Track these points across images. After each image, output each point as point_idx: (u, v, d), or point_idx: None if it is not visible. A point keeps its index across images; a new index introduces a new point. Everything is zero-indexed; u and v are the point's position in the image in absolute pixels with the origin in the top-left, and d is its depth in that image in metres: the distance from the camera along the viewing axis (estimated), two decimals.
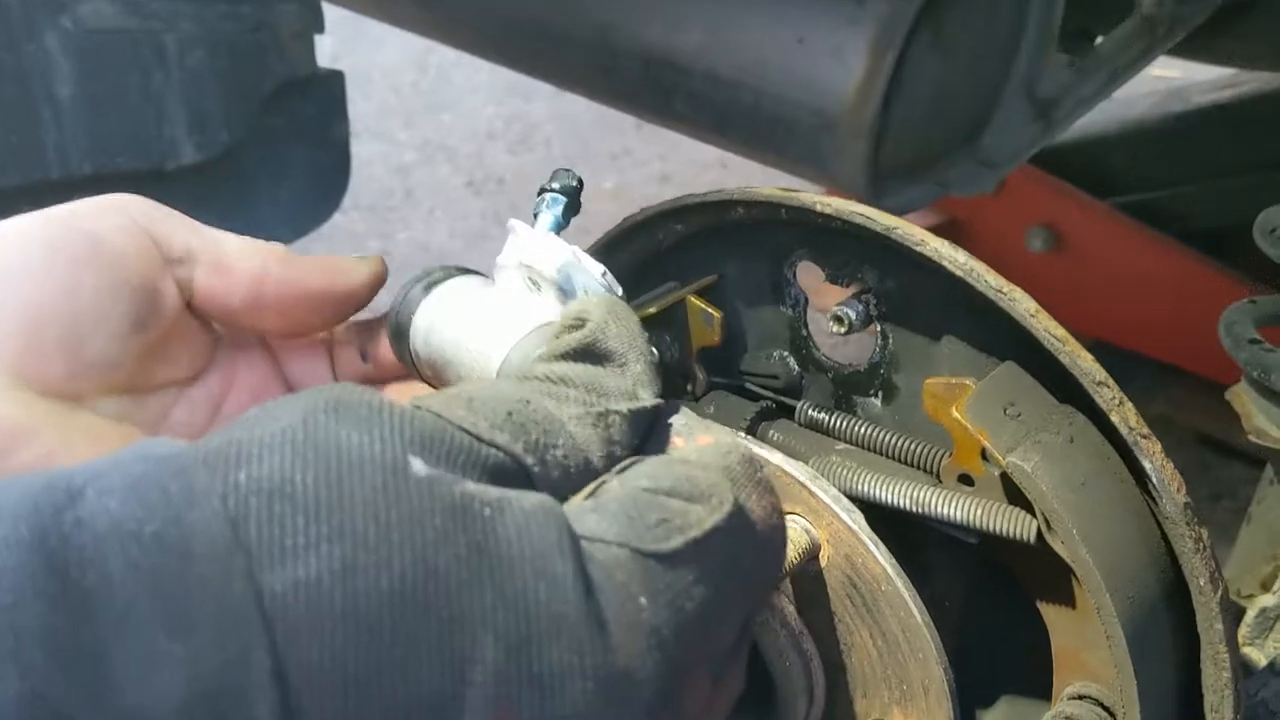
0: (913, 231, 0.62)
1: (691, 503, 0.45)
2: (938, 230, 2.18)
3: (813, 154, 1.13)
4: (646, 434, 0.53)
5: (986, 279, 0.60)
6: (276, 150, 1.28)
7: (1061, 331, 0.59)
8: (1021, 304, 0.59)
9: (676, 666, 0.42)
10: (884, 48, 1.06)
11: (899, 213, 1.29)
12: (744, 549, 0.47)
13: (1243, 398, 0.89)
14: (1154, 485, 0.58)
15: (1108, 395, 0.58)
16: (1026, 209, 2.26)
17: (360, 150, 3.20)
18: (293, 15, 1.22)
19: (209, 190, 1.25)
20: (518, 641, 0.37)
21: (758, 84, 1.13)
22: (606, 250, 0.79)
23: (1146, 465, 0.58)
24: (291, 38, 1.23)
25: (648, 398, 0.52)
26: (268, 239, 1.41)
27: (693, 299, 0.72)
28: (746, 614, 0.50)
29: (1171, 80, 2.67)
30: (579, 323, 0.56)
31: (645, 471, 0.46)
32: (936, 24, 1.11)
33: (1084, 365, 0.59)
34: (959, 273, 0.60)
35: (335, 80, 1.30)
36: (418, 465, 0.39)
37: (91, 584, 0.35)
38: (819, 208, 0.65)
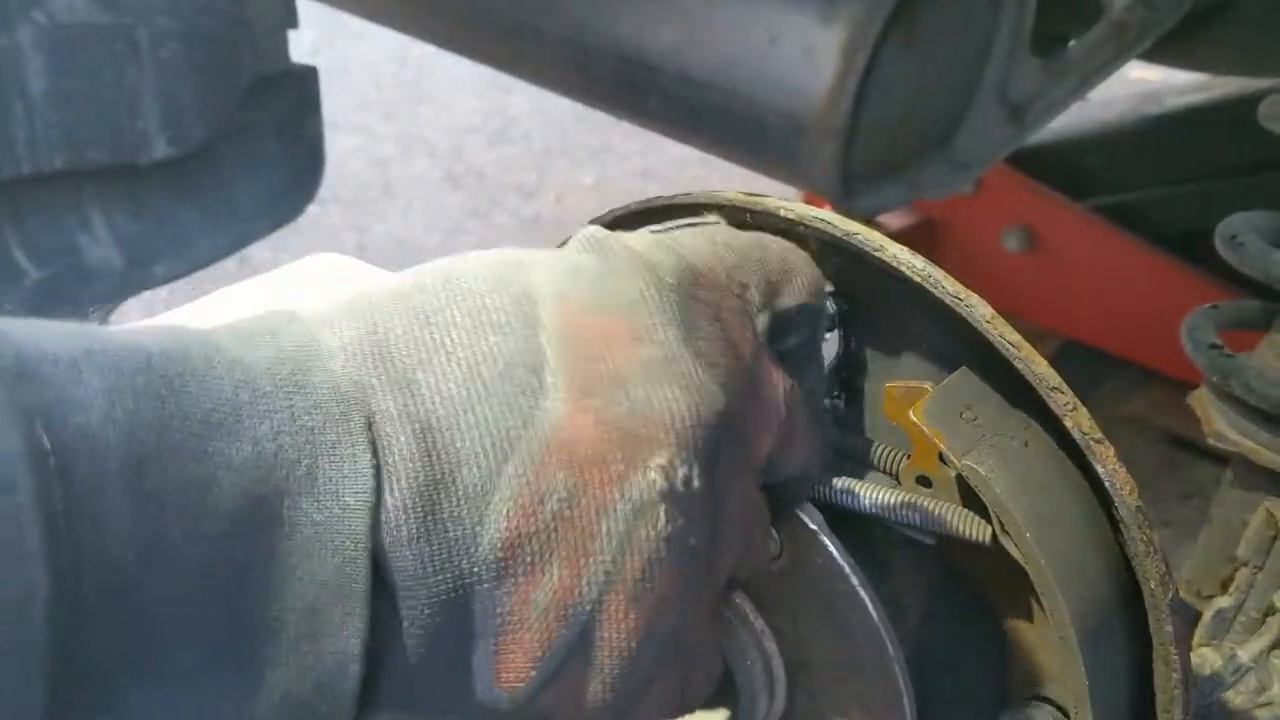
0: (872, 237, 0.63)
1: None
2: (915, 230, 2.20)
3: (784, 155, 1.14)
4: None
5: (944, 285, 0.61)
6: (251, 145, 1.28)
7: (1016, 337, 0.60)
8: (978, 310, 0.60)
9: (690, 273, 0.50)
10: (855, 49, 1.07)
11: (872, 214, 1.31)
12: (739, 236, 0.57)
13: (1204, 401, 0.91)
14: (1106, 489, 0.59)
15: (1061, 400, 0.59)
16: (1003, 209, 2.28)
17: (339, 143, 3.19)
18: (267, 10, 1.22)
19: (183, 184, 1.25)
20: (560, 264, 0.49)
21: (729, 84, 1.14)
22: None
23: (1099, 469, 0.59)
24: (265, 33, 1.23)
25: None
26: (244, 232, 1.40)
27: None
28: (765, 282, 0.55)
29: (1151, 82, 2.69)
30: None
31: None
32: (909, 26, 1.12)
33: (1038, 370, 0.59)
34: (917, 278, 0.61)
35: (309, 76, 1.30)
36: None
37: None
38: (782, 212, 0.66)
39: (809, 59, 1.08)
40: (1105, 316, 2.28)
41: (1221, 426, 0.88)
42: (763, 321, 0.53)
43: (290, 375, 0.42)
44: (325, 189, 3.02)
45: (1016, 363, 0.60)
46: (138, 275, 1.24)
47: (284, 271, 0.58)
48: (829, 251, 0.69)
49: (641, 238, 0.52)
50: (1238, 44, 1.40)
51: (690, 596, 0.48)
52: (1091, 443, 0.59)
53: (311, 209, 2.91)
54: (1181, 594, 0.93)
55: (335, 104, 3.41)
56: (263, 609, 0.40)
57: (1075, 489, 0.61)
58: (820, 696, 0.68)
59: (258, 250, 2.75)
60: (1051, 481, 0.61)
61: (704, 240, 0.54)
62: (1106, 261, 2.24)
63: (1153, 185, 2.26)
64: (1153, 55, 1.34)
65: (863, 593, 0.64)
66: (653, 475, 0.45)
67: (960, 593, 0.69)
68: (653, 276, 0.49)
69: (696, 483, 0.46)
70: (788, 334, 0.57)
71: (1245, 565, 0.82)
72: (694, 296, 0.50)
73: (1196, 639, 0.84)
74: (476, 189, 3.11)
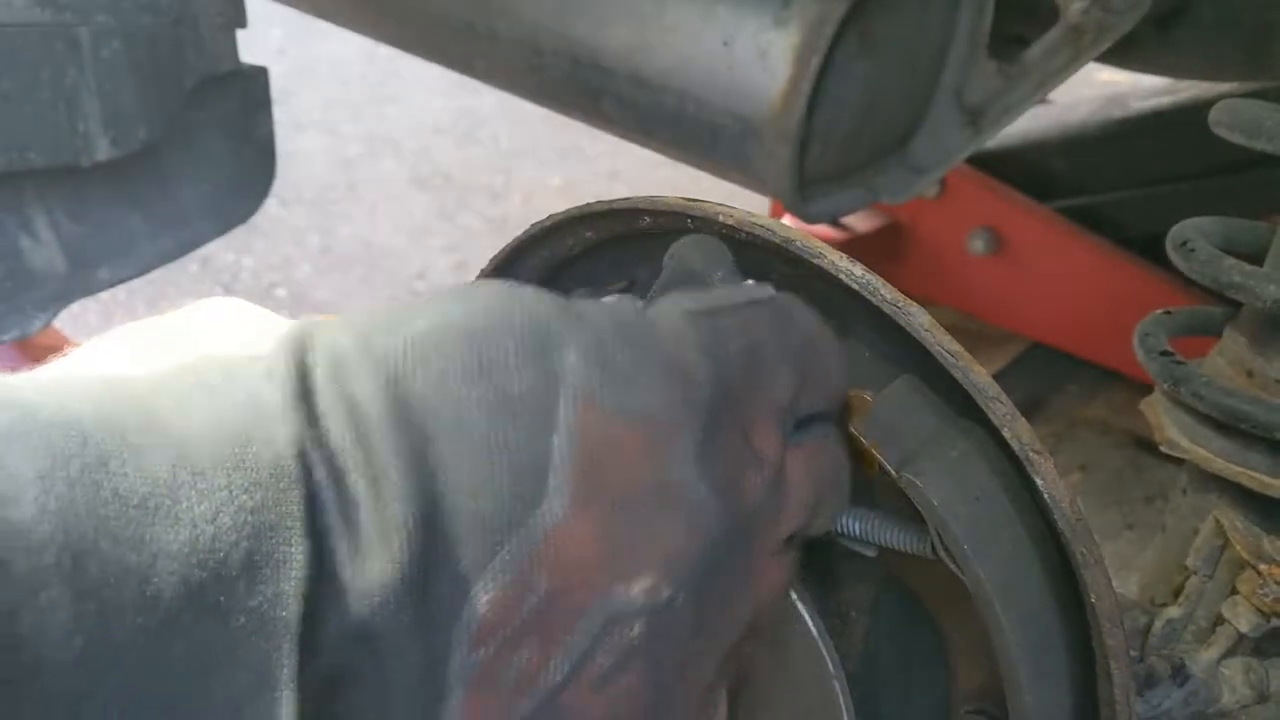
0: (810, 244, 0.61)
1: (737, 293, 0.55)
2: (881, 233, 2.19)
3: (738, 158, 1.12)
4: None
5: (882, 292, 0.59)
6: (197, 147, 1.26)
7: (955, 346, 0.59)
8: (917, 318, 0.59)
9: (730, 385, 0.50)
10: (809, 52, 1.05)
11: (829, 218, 1.30)
12: (789, 326, 0.54)
13: (1156, 408, 0.90)
14: (1046, 501, 0.58)
15: (1000, 410, 0.58)
16: (968, 212, 2.27)
17: (304, 143, 3.17)
18: (213, 9, 1.20)
19: (128, 186, 1.23)
20: (595, 351, 0.47)
21: (683, 86, 1.12)
22: (516, 254, 0.78)
23: (1038, 481, 0.58)
24: (212, 32, 1.20)
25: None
26: (192, 235, 1.38)
27: None
28: (802, 379, 0.54)
29: (1118, 85, 2.69)
30: (668, 258, 0.64)
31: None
32: (864, 29, 1.11)
33: (977, 380, 0.58)
34: (855, 286, 0.60)
35: (259, 76, 1.28)
36: (525, 289, 0.49)
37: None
38: (721, 218, 0.64)
39: (762, 62, 1.07)
40: (1070, 319, 2.28)
41: (1173, 434, 0.87)
42: (789, 423, 0.53)
43: (229, 448, 0.41)
44: (290, 189, 2.99)
45: (955, 372, 0.59)
46: (82, 279, 1.21)
47: (172, 319, 0.54)
48: (772, 257, 0.67)
49: (685, 328, 0.50)
50: (1195, 48, 1.39)
51: (664, 690, 0.49)
52: (1030, 454, 0.58)
53: (275, 209, 2.89)
54: (1137, 601, 0.92)
55: (302, 103, 3.38)
56: (203, 700, 0.39)
57: (1016, 500, 0.60)
58: (760, 712, 0.67)
59: (220, 253, 2.72)
60: (991, 493, 0.60)
61: (747, 335, 0.52)
62: (1072, 264, 2.24)
63: (1118, 188, 2.26)
64: (1111, 58, 1.34)
65: (802, 609, 0.63)
66: (635, 592, 0.46)
67: (903, 605, 0.68)
68: (684, 388, 0.48)
69: (680, 603, 0.47)
70: (811, 423, 0.57)
71: (1195, 574, 0.81)
72: (724, 410, 0.49)
73: (1147, 648, 0.83)
74: (443, 190, 3.09)
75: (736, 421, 0.50)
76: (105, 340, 0.53)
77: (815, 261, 0.62)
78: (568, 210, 0.73)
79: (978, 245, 2.29)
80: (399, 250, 2.83)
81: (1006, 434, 0.58)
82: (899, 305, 0.60)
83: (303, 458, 0.42)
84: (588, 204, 0.72)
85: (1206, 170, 2.15)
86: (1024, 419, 0.59)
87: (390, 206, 3.01)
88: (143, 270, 1.28)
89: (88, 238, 1.21)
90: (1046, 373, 2.32)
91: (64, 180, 1.16)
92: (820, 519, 0.56)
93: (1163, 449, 0.89)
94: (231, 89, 1.29)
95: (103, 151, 1.14)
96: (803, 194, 1.15)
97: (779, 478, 0.52)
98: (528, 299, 0.48)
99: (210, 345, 0.51)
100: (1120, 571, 1.94)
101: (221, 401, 0.42)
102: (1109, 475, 2.15)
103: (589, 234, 0.75)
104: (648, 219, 0.71)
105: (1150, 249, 2.14)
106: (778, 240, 0.62)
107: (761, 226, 0.63)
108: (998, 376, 2.35)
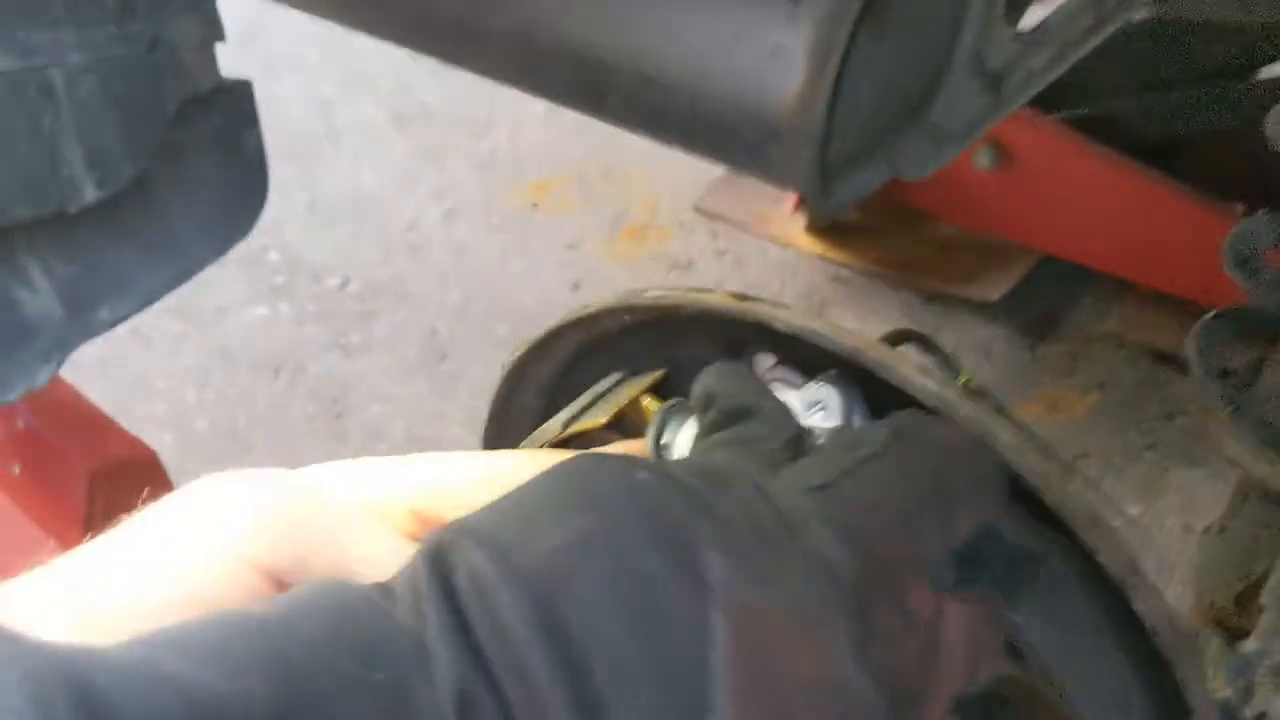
0: (883, 355, 0.58)
1: (853, 449, 0.54)
2: None
3: (757, 158, 1.07)
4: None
5: (959, 410, 0.56)
6: (185, 171, 1.20)
7: (1044, 467, 0.56)
8: (1002, 438, 0.56)
9: (871, 558, 0.49)
10: (826, 50, 0.99)
11: (851, 202, 1.24)
12: (914, 465, 0.54)
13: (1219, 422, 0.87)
14: (1147, 627, 0.56)
15: (1095, 535, 0.55)
16: None
17: (278, 88, 3.07)
18: (189, 28, 1.13)
19: (118, 222, 1.18)
20: (736, 552, 0.47)
21: (693, 86, 1.06)
22: (553, 337, 0.75)
23: (1138, 607, 0.55)
24: (190, 52, 1.14)
25: (790, 427, 0.59)
26: (189, 261, 1.33)
27: (646, 403, 0.68)
28: (945, 517, 0.53)
29: None
30: (702, 398, 0.63)
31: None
32: (879, 14, 1.05)
33: (1073, 502, 0.55)
34: (935, 404, 0.57)
35: (242, 89, 1.22)
36: (643, 474, 0.49)
37: None
38: (778, 326, 0.61)
39: (777, 61, 1.01)
40: (1080, 231, 2.24)
41: (1236, 451, 0.84)
42: (941, 567, 0.53)
43: None
44: (269, 145, 2.89)
45: (1046, 496, 0.56)
46: (82, 322, 1.17)
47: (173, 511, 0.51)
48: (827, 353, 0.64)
49: (810, 508, 0.50)
50: None
51: None
52: (1129, 577, 0.55)
53: None
54: (1194, 615, 0.91)
55: (271, 44, 3.26)
56: None
57: (1110, 616, 0.58)
58: None
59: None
60: (1087, 617, 0.57)
61: (878, 490, 0.51)
62: (1079, 175, 2.19)
63: (1121, 96, 2.20)
64: None
65: None
66: None
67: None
68: (829, 578, 0.48)
69: None
70: (977, 560, 0.56)
71: (1265, 611, 0.79)
72: (871, 587, 0.49)
73: (1219, 680, 0.81)
74: (424, 130, 3.00)
75: (888, 593, 0.50)
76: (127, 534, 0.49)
77: (882, 375, 0.58)
78: (607, 301, 0.69)
79: (984, 160, 2.23)
80: (387, 200, 2.76)
81: (1102, 559, 0.55)
82: (976, 419, 0.56)
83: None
84: (630, 292, 0.68)
85: (1206, 74, 2.09)
86: (1122, 536, 0.56)
87: (373, 152, 2.93)
88: (143, 305, 1.24)
89: (83, 279, 1.16)
90: (1059, 288, 2.29)
91: (53, 225, 1.11)
92: (981, 673, 0.55)
93: (1228, 462, 0.86)
94: (215, 106, 1.23)
95: (90, 194, 1.09)
96: (825, 187, 1.11)
97: (936, 634, 0.51)
98: (656, 496, 0.48)
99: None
100: (1145, 494, 1.94)
101: (379, 679, 0.41)
102: (1126, 393, 2.13)
103: (627, 317, 0.71)
104: (692, 312, 0.67)
105: (1156, 156, 2.10)
106: (844, 352, 0.59)
107: (825, 337, 0.60)
108: (1011, 294, 2.28)
